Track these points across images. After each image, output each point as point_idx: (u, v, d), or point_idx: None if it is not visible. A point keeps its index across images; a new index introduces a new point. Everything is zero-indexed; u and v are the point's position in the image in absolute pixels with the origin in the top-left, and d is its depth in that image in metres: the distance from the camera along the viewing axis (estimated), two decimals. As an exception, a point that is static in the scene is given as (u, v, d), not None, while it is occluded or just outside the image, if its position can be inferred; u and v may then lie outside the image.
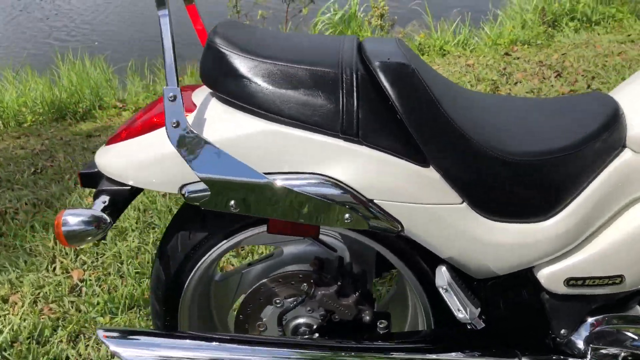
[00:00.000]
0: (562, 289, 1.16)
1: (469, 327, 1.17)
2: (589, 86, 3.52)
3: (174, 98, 1.02)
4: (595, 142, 1.12)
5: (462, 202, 1.09)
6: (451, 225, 1.10)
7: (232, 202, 1.08)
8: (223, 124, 1.08)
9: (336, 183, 1.06)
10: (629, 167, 1.13)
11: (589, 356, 1.17)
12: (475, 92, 1.38)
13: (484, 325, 1.16)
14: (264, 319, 1.34)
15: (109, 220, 1.12)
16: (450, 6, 6.37)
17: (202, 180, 1.07)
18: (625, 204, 1.15)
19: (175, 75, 1.03)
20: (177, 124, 1.03)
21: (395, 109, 1.04)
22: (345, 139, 1.05)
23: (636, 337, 1.19)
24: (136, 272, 2.13)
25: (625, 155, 1.13)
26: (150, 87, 4.62)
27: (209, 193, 1.08)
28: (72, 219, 1.10)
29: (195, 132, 1.05)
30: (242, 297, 1.40)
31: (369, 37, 1.20)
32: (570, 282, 1.15)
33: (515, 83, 3.71)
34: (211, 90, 1.15)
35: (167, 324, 1.34)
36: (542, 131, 1.18)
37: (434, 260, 1.19)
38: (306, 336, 1.30)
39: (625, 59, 3.93)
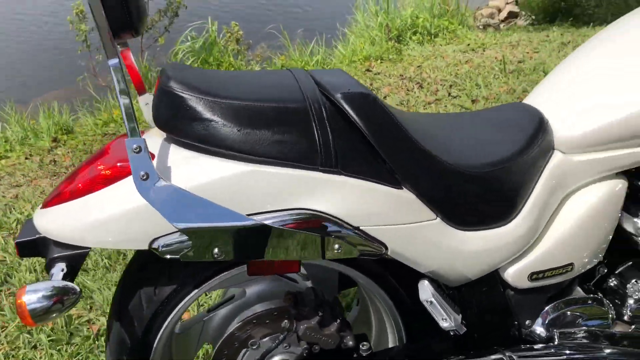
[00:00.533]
0: (527, 284, 1.27)
1: (452, 334, 1.23)
2: (449, 94, 3.84)
3: (139, 149, 0.99)
4: (532, 149, 1.24)
5: (436, 218, 1.15)
6: (429, 241, 1.16)
7: (215, 250, 1.05)
8: (191, 169, 1.04)
9: (322, 216, 1.07)
10: (561, 167, 1.27)
11: (555, 339, 1.29)
12: (414, 113, 1.47)
13: (465, 329, 1.23)
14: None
15: (78, 289, 1.03)
16: (298, 28, 6.59)
17: (183, 231, 1.02)
18: (563, 198, 1.29)
19: (136, 126, 0.99)
20: (147, 176, 0.99)
21: (365, 136, 1.07)
22: (325, 171, 1.06)
23: (585, 315, 1.33)
24: (50, 340, 1.93)
25: (556, 157, 1.27)
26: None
27: (190, 244, 1.03)
28: (36, 296, 1.00)
29: (167, 182, 1.00)
30: (207, 346, 1.34)
31: (314, 70, 1.22)
32: (533, 276, 1.27)
33: (384, 97, 3.93)
34: (165, 135, 1.11)
35: None
36: (487, 143, 1.28)
37: (405, 276, 1.24)
38: None
39: (473, 66, 4.34)
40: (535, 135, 1.26)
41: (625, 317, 1.38)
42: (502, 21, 8.15)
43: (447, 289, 1.25)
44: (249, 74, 1.22)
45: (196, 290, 1.20)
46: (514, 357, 1.22)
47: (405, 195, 1.12)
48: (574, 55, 1.47)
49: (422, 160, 1.13)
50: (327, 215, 1.07)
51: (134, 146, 0.98)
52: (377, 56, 5.16)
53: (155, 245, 1.04)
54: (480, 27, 7.38)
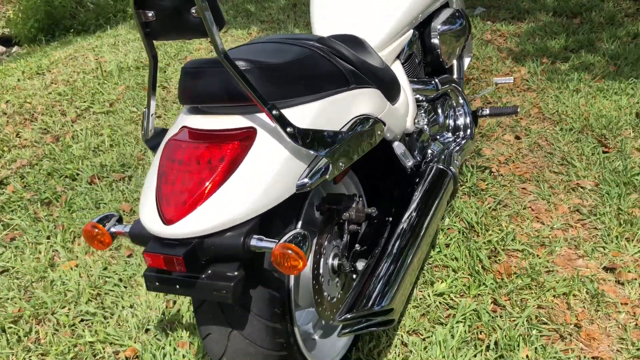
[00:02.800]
0: (412, 128, 1.97)
1: (409, 171, 1.83)
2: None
3: (278, 111, 1.18)
4: (377, 54, 1.91)
5: (387, 103, 1.71)
6: (392, 116, 1.72)
7: (340, 163, 1.32)
8: (292, 118, 1.23)
9: (366, 116, 1.52)
10: (385, 59, 1.97)
11: (429, 156, 2.05)
12: None
13: (416, 164, 1.86)
14: (324, 277, 1.56)
15: (305, 232, 1.20)
16: None
17: (327, 157, 1.27)
18: None
19: (262, 95, 1.17)
20: (293, 129, 1.20)
21: (350, 60, 1.55)
22: (352, 88, 1.50)
23: (433, 136, 2.14)
24: None
25: (381, 55, 1.95)
26: None
27: (330, 165, 1.28)
28: (299, 244, 1.15)
29: (303, 127, 1.23)
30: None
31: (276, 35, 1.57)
32: (414, 120, 1.97)
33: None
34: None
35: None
36: (368, 55, 1.83)
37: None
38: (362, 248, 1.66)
39: (68, 84, 4.41)
40: (370, 47, 1.92)
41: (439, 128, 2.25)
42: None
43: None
44: (258, 46, 1.43)
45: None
46: (448, 169, 1.93)
47: (377, 91, 1.64)
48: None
49: (368, 66, 1.65)
50: (368, 115, 1.52)
51: (275, 112, 1.17)
52: None
53: (300, 183, 1.24)
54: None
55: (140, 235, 1.27)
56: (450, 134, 2.33)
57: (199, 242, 1.17)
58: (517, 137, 3.14)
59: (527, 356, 1.78)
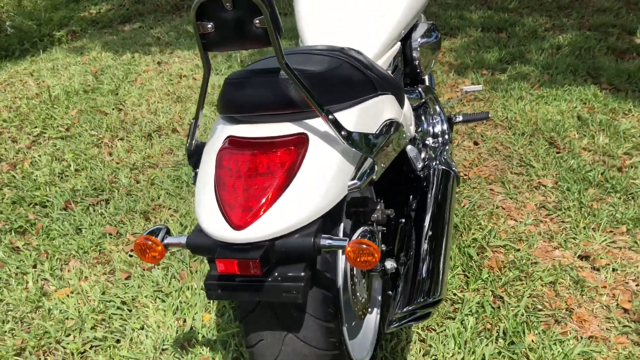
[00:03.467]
0: (414, 133, 2.09)
1: (418, 173, 1.95)
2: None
3: (333, 116, 1.26)
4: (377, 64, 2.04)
5: (400, 109, 1.83)
6: (405, 120, 1.84)
7: (382, 164, 1.40)
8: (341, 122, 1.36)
9: (393, 120, 1.62)
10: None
11: (425, 160, 2.18)
12: None
13: (424, 164, 1.99)
14: (357, 278, 1.66)
15: (372, 228, 1.28)
16: None
17: (373, 158, 1.35)
18: None
19: (319, 103, 1.24)
20: (347, 132, 1.28)
21: (371, 69, 1.66)
22: (379, 94, 1.61)
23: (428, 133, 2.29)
24: None
25: (379, 63, 2.10)
26: None
27: (375, 165, 1.36)
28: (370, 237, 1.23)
29: (355, 130, 1.32)
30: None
31: (299, 47, 1.65)
32: (416, 129, 2.11)
33: None
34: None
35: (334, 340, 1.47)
36: (376, 66, 1.97)
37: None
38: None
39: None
40: (369, 59, 2.04)
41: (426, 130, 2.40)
42: None
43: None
44: (290, 57, 1.49)
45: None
46: (450, 169, 2.07)
47: (393, 97, 1.75)
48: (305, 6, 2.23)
49: (383, 74, 1.76)
50: (394, 119, 1.63)
51: (330, 117, 1.24)
52: None
53: (352, 184, 1.31)
54: None
55: (200, 245, 1.29)
56: (431, 139, 2.48)
57: (271, 245, 1.20)
58: (476, 143, 3.36)
59: (533, 341, 1.94)
